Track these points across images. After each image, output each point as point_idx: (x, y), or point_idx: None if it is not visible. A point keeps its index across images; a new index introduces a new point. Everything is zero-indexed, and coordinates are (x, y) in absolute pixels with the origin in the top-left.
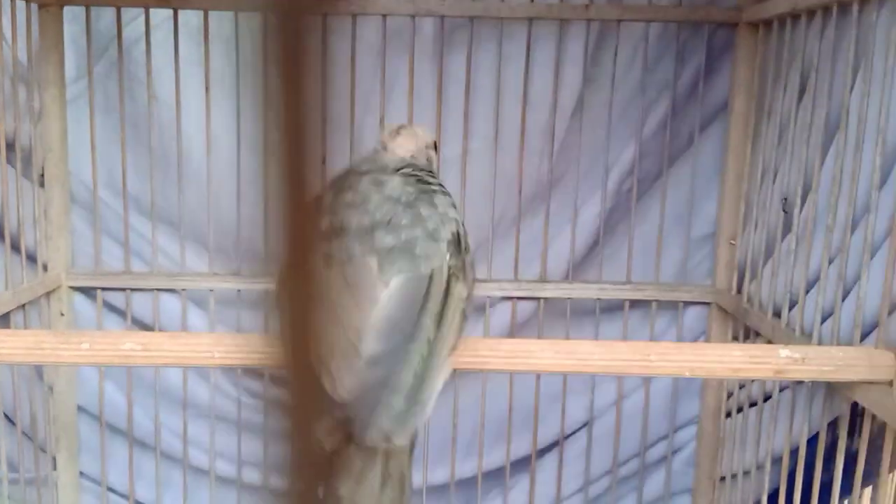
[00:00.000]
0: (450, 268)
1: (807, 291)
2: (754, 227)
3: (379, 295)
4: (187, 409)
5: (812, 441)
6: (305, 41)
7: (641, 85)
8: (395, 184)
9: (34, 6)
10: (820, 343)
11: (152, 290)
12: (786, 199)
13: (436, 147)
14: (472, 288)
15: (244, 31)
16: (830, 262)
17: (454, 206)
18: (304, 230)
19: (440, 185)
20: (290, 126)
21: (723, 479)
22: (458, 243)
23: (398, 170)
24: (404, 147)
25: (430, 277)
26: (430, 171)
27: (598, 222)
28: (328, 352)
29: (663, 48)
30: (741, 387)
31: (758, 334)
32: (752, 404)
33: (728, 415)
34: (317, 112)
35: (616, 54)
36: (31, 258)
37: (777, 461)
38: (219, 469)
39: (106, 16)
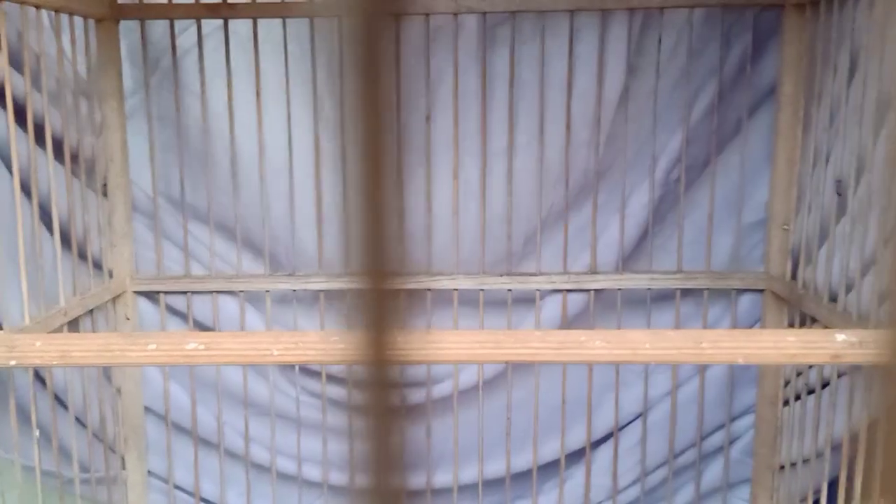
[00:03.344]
0: None
1: (863, 274)
2: (808, 211)
3: None
4: (248, 408)
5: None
6: (381, 42)
7: (687, 72)
8: None
9: (91, 21)
10: (878, 327)
11: (211, 292)
12: (839, 181)
13: None
14: None
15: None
16: (886, 243)
17: None
18: (383, 232)
19: None
20: (368, 127)
21: (782, 467)
22: None
23: None
24: None
25: None
26: None
27: (647, 212)
28: None
29: (708, 33)
30: (798, 374)
31: (814, 320)
32: (810, 391)
33: (786, 403)
34: (393, 114)
35: (660, 42)
36: (97, 265)
37: (837, 448)
38: (280, 466)
39: (158, 28)
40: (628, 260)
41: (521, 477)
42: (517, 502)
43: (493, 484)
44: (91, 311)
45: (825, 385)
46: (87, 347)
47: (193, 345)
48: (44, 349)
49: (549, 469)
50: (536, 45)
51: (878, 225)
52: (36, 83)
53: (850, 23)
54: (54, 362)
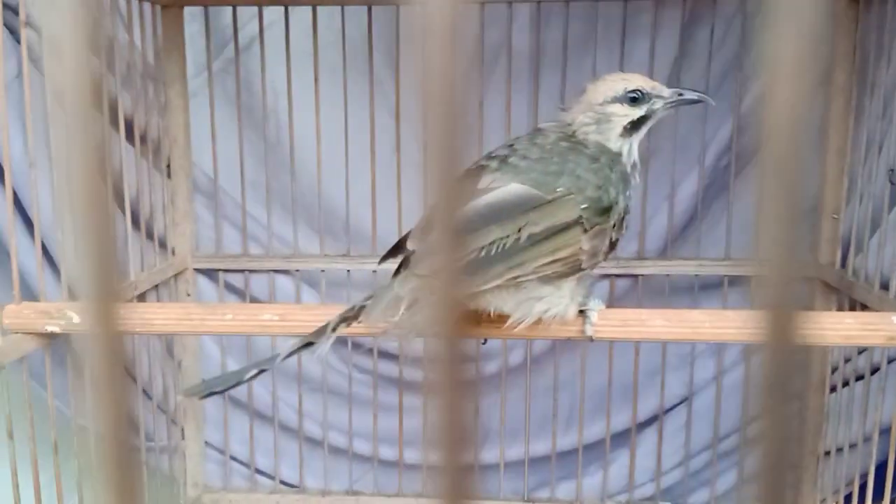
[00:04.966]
0: (581, 215)
1: None
2: (859, 200)
3: (486, 188)
4: (302, 384)
5: None
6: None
7: (738, 58)
8: (549, 139)
9: (157, 7)
10: None
11: (268, 271)
12: (892, 170)
13: (634, 97)
14: (600, 254)
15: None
16: None
17: (612, 179)
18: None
19: (598, 155)
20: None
21: (827, 453)
22: (603, 209)
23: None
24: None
25: (549, 202)
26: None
27: (696, 198)
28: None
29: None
30: (846, 360)
31: (864, 307)
32: (859, 378)
33: (832, 389)
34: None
35: (713, 28)
36: (161, 243)
37: (885, 433)
38: (331, 440)
39: (224, 16)
40: (675, 246)
41: (566, 457)
42: (561, 482)
43: (538, 462)
44: (156, 287)
45: (874, 371)
46: (168, 316)
47: (269, 316)
48: (125, 317)
49: (594, 450)
50: (589, 28)
51: None
52: (110, 67)
53: None
54: (137, 329)
